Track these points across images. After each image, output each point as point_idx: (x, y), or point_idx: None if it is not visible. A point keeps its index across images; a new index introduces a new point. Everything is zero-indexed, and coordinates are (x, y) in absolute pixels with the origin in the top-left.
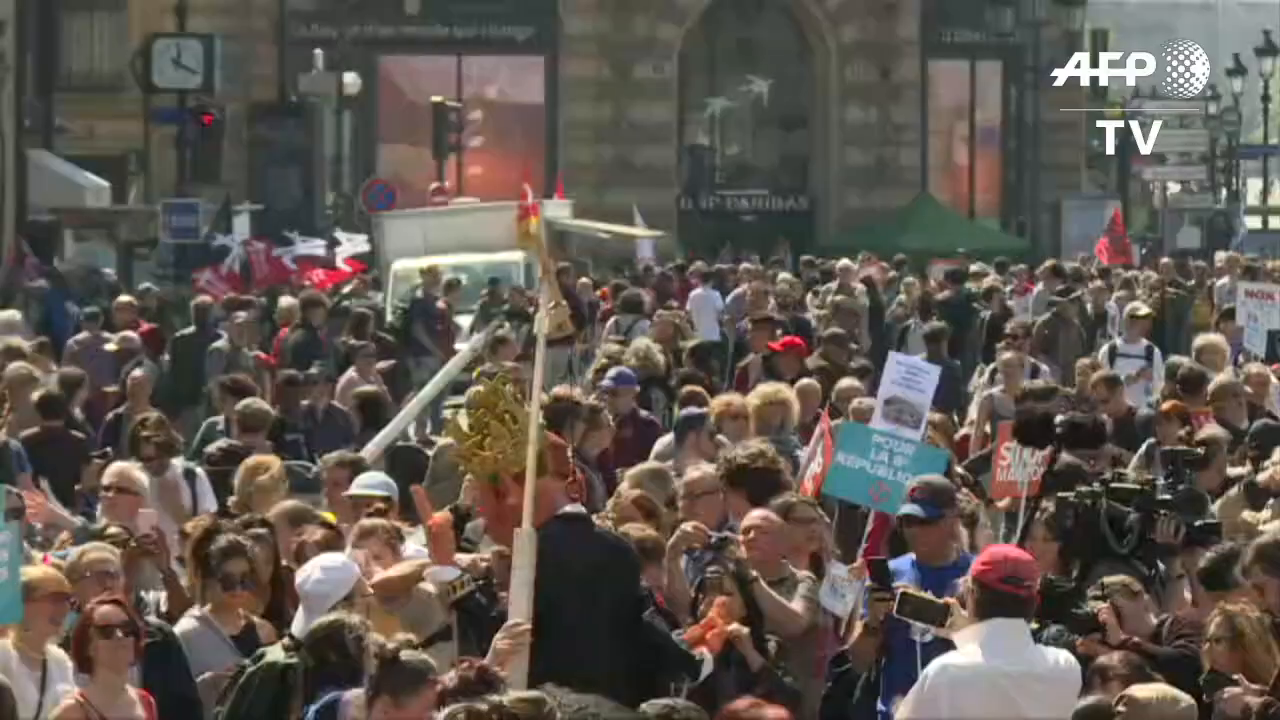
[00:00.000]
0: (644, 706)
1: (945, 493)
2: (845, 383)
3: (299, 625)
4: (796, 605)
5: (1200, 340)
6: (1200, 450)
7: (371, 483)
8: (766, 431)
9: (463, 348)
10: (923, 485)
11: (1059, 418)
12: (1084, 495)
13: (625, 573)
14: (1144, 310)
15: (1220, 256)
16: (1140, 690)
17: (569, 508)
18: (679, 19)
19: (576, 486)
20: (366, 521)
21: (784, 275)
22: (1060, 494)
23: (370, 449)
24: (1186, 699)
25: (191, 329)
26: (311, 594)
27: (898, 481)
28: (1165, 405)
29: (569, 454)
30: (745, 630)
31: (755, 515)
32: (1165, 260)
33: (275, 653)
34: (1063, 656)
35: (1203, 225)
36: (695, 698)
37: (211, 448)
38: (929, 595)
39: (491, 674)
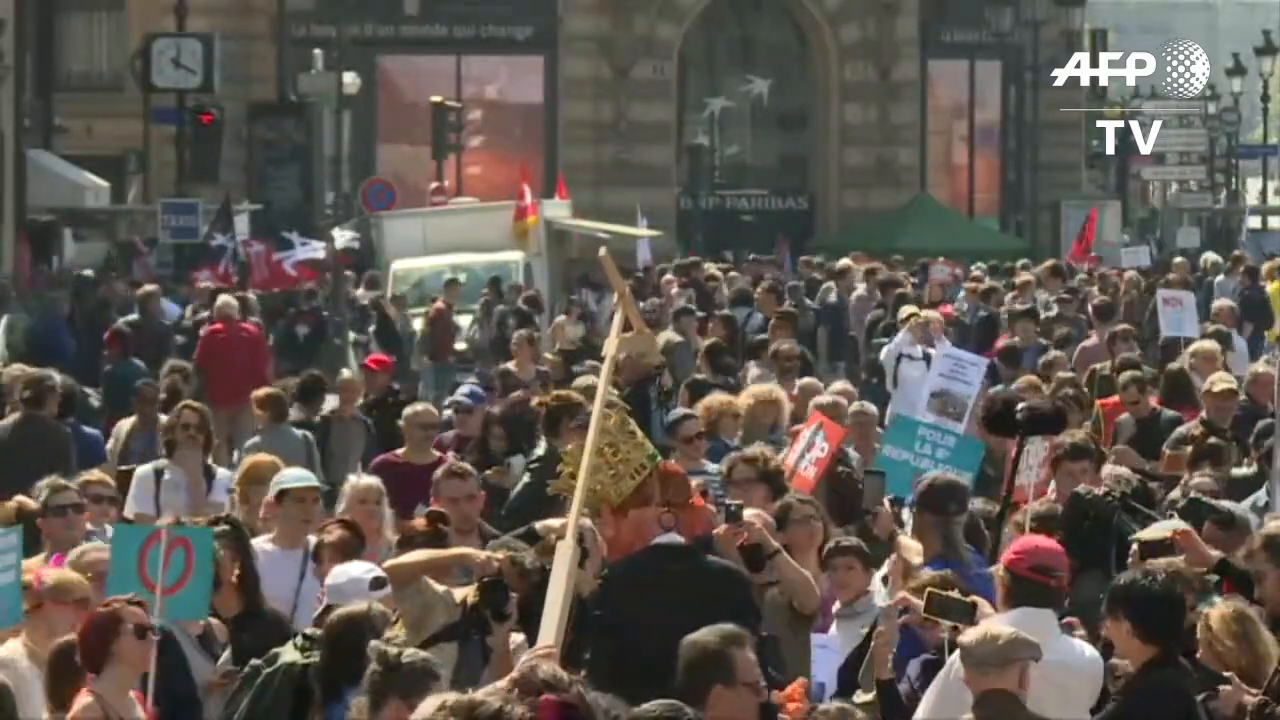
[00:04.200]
0: (648, 705)
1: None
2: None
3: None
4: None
5: (1194, 347)
6: (1228, 513)
7: (300, 476)
8: (759, 430)
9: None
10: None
11: (1019, 405)
12: (1100, 499)
13: (726, 603)
14: (908, 310)
15: (1206, 257)
16: (966, 635)
17: (664, 538)
18: (679, 19)
19: (690, 515)
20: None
21: (710, 268)
22: (1077, 490)
23: None
24: (1007, 632)
25: (135, 316)
26: (339, 589)
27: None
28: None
29: (687, 482)
30: None
31: (748, 515)
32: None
33: (290, 653)
34: (1088, 649)
35: (1202, 225)
36: None
37: None
38: (955, 594)
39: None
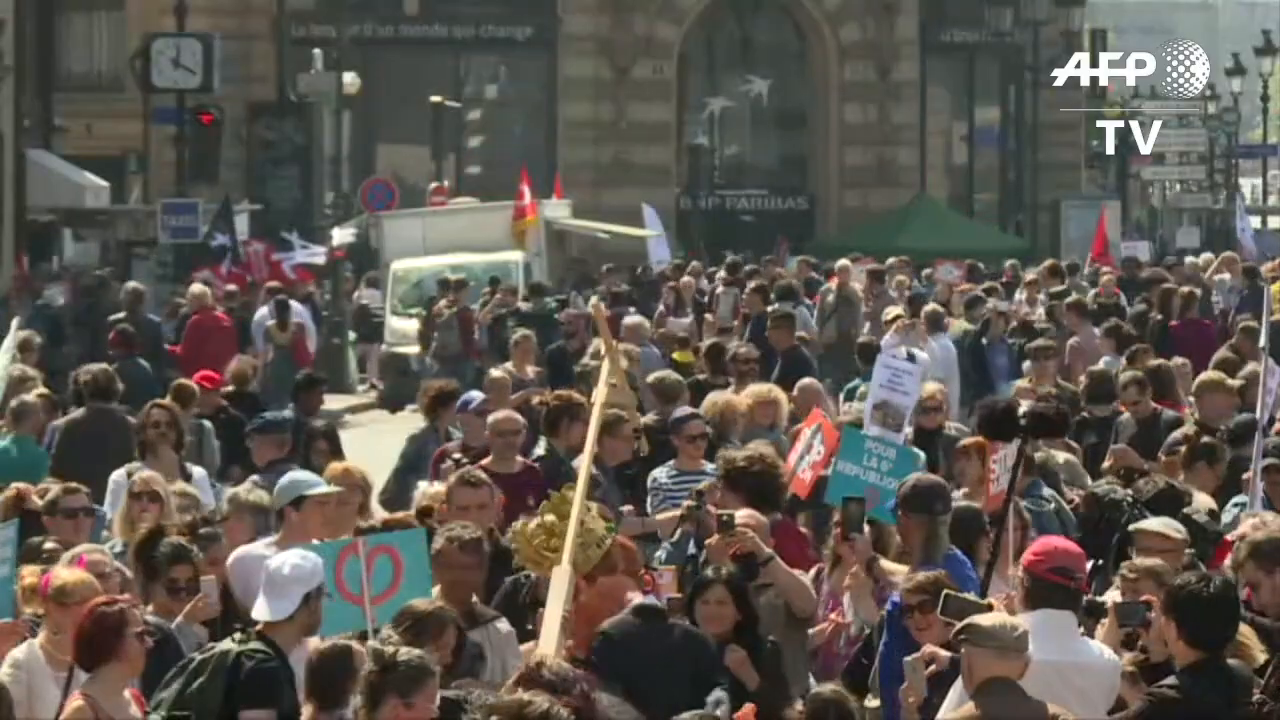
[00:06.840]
0: (684, 715)
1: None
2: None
3: (260, 611)
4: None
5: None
6: (1216, 533)
7: (315, 481)
8: (758, 430)
9: None
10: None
11: (1022, 408)
12: (1117, 501)
13: (700, 662)
14: (893, 312)
15: (1205, 257)
16: (980, 619)
17: (641, 600)
18: (678, 19)
19: (651, 583)
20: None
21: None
22: (1095, 490)
23: None
24: (1021, 621)
25: (122, 314)
26: (286, 578)
27: (884, 487)
28: (967, 440)
29: (636, 553)
30: (743, 654)
31: (741, 515)
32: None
33: (226, 644)
34: (1106, 651)
35: (1202, 225)
36: None
37: None
38: (972, 596)
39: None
